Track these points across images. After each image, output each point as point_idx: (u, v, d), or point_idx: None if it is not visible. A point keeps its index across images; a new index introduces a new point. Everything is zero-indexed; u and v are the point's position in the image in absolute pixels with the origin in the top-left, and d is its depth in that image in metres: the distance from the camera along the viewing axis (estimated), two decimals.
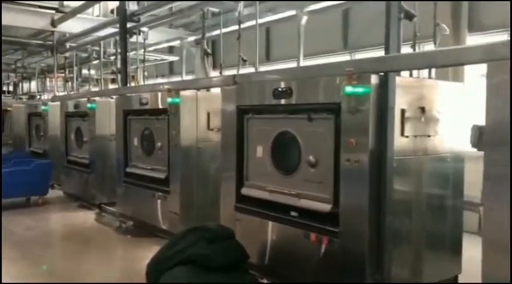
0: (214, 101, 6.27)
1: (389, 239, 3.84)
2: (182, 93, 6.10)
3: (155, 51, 12.25)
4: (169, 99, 6.13)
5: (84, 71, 13.46)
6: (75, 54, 11.03)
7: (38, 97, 14.04)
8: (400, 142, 3.87)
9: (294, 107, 4.40)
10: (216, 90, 6.78)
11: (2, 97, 15.10)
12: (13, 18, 9.76)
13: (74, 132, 9.26)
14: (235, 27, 6.25)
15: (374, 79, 3.74)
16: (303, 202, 4.31)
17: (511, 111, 2.84)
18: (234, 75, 5.38)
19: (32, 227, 7.02)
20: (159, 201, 6.52)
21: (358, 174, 3.78)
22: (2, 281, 4.50)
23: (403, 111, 3.87)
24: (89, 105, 8.44)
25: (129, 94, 7.43)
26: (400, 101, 3.85)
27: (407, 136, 3.92)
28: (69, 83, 12.60)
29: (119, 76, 9.07)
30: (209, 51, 6.65)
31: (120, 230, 7.01)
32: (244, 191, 4.98)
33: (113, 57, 11.15)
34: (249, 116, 4.95)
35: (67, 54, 11.10)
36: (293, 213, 4.41)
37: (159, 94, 6.54)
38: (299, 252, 4.34)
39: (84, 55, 12.03)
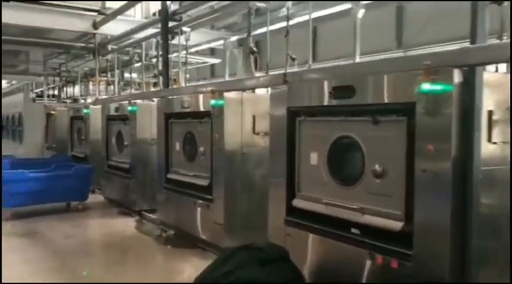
0: (260, 103, 5.85)
1: (475, 262, 3.23)
2: (226, 94, 5.66)
3: (196, 53, 11.97)
4: (212, 101, 5.71)
5: (126, 75, 13.35)
6: (117, 57, 10.85)
7: (81, 101, 14.03)
8: (487, 149, 3.25)
9: (356, 108, 3.85)
10: (262, 91, 6.34)
11: (46, 101, 15.25)
12: (55, 21, 9.69)
13: (115, 135, 9.03)
14: (280, 25, 5.76)
15: (457, 74, 3.15)
16: (366, 218, 3.75)
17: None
18: (284, 74, 4.88)
19: (70, 235, 6.76)
20: (200, 210, 6.10)
21: (438, 186, 3.19)
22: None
23: (490, 113, 3.26)
24: (130, 108, 8.17)
25: (170, 97, 7.08)
26: (487, 101, 3.23)
27: (495, 143, 3.30)
28: (111, 87, 12.52)
29: (161, 78, 8.77)
30: (255, 49, 6.16)
31: (160, 239, 6.65)
32: (296, 203, 4.46)
33: (154, 60, 10.92)
34: (302, 119, 4.44)
35: (109, 57, 10.93)
36: (354, 230, 3.86)
37: (202, 96, 6.14)
38: (361, 275, 3.78)
39: (125, 58, 11.89)
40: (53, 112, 13.07)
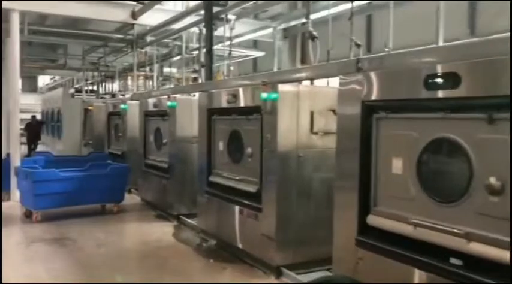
0: (319, 97, 5.03)
1: None
2: (280, 87, 4.83)
3: (239, 46, 11.22)
4: (263, 95, 4.89)
5: (165, 70, 12.79)
6: (156, 49, 10.24)
7: (120, 96, 13.57)
8: None
9: (462, 102, 2.94)
10: (322, 84, 5.52)
11: (85, 96, 14.90)
12: (94, 10, 9.18)
13: (153, 132, 8.39)
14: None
15: None
16: (474, 246, 2.84)
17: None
18: (358, 59, 3.98)
19: (103, 242, 6.12)
20: (248, 220, 5.31)
21: None
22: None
23: None
24: (169, 103, 7.48)
25: (214, 91, 6.31)
26: None
27: None
28: (150, 82, 11.96)
29: (202, 71, 8.07)
30: (315, 33, 5.30)
31: (200, 250, 5.91)
32: (372, 220, 3.58)
33: (195, 53, 10.27)
34: (381, 116, 3.55)
35: (147, 49, 10.32)
36: (455, 261, 2.96)
37: (251, 89, 5.35)
38: None
39: (164, 51, 11.28)
40: (90, 107, 12.66)
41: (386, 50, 4.02)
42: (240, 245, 5.50)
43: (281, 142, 4.83)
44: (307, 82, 5.22)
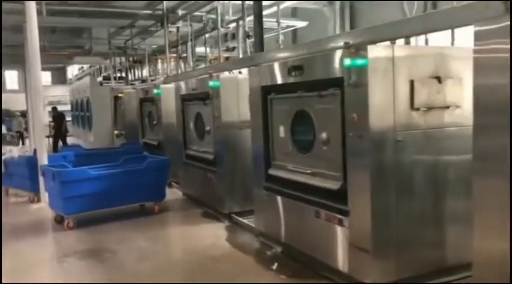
0: (420, 62, 3.79)
1: None
2: (370, 49, 3.59)
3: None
4: (347, 61, 3.67)
5: (198, 50, 11.57)
6: (190, 24, 9.05)
7: (150, 81, 12.53)
8: None
9: None
10: (417, 43, 4.27)
11: (114, 83, 13.93)
12: None
13: (194, 119, 7.30)
14: None
15: None
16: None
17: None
18: None
19: (147, 254, 5.10)
20: (328, 225, 4.15)
21: None
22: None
23: None
24: (211, 84, 6.34)
25: (268, 64, 5.12)
26: None
27: None
28: (182, 63, 10.85)
29: (247, 44, 6.89)
30: None
31: (265, 260, 4.81)
32: None
33: (232, 25, 9.06)
34: None
35: (179, 24, 9.13)
36: None
37: (323, 56, 4.15)
38: None
39: (196, 28, 10.08)
40: (120, 95, 11.68)
41: None
42: (318, 256, 4.36)
43: (373, 124, 3.63)
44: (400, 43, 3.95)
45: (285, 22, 10.57)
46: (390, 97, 3.67)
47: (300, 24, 10.86)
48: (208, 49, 10.27)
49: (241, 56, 8.21)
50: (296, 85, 4.52)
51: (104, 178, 6.22)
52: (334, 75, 3.92)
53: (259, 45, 5.74)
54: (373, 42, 3.67)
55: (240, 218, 6.12)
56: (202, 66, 10.81)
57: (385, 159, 3.68)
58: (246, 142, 6.12)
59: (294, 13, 11.69)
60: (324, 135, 4.22)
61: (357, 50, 3.63)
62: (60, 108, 16.75)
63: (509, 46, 2.55)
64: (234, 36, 11.23)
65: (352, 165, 3.84)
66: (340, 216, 3.98)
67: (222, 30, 9.01)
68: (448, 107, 3.87)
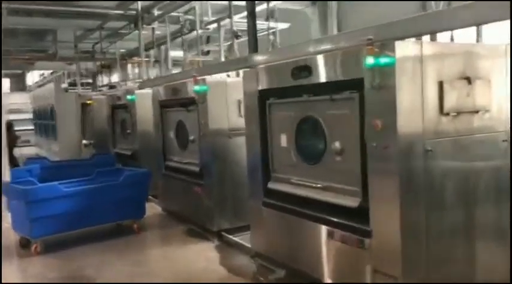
0: (449, 61, 3.36)
1: None
2: (398, 46, 3.12)
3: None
4: (370, 60, 3.19)
5: (173, 53, 10.90)
6: (167, 25, 8.44)
7: (123, 86, 11.76)
8: None
9: None
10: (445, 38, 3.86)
11: (80, 89, 13.06)
12: None
13: (174, 127, 6.68)
14: None
15: None
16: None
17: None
18: None
19: (132, 282, 4.44)
20: (344, 247, 3.65)
21: None
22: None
23: None
24: (196, 88, 5.76)
25: (267, 65, 4.59)
26: None
27: None
28: (155, 68, 10.20)
29: (234, 45, 6.37)
30: None
31: None
32: None
33: (212, 26, 8.49)
34: None
35: (154, 25, 8.49)
36: None
37: (335, 55, 3.66)
38: None
39: (173, 30, 9.46)
40: (89, 101, 10.86)
41: None
42: (330, 281, 3.85)
43: (401, 131, 3.16)
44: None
45: (264, 23, 10.08)
46: (419, 101, 3.22)
47: (280, 26, 10.37)
48: (182, 53, 9.67)
49: (223, 59, 7.69)
50: (301, 88, 4.00)
51: (77, 195, 5.51)
52: (352, 76, 3.44)
53: (253, 45, 5.21)
54: (398, 39, 3.21)
55: (232, 237, 5.55)
56: (178, 70, 10.20)
57: (415, 171, 3.22)
58: (236, 152, 5.62)
59: (271, 14, 11.21)
60: (337, 144, 3.72)
61: (382, 47, 3.17)
62: (21, 116, 15.66)
63: None
64: (208, 40, 10.71)
65: (376, 179, 3.35)
66: (360, 237, 3.49)
67: (201, 32, 8.47)
68: (477, 111, 3.47)
